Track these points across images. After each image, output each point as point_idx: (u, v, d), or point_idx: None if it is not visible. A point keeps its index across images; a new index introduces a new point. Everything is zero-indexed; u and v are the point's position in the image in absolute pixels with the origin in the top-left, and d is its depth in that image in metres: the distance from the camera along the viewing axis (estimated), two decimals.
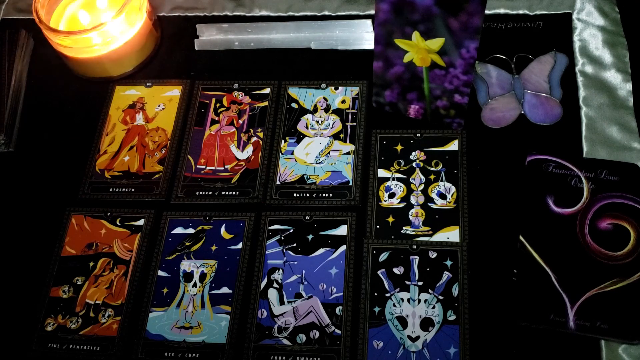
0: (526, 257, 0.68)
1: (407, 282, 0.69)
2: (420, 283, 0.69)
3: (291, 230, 0.74)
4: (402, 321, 0.67)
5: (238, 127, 0.81)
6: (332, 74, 0.84)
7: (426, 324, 0.67)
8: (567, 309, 0.65)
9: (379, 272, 0.70)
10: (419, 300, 0.68)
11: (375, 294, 0.69)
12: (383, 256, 0.71)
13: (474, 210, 0.73)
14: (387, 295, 0.69)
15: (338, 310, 0.69)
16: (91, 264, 0.74)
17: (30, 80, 0.88)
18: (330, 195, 0.75)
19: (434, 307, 0.68)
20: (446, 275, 0.69)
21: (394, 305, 0.68)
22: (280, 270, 0.71)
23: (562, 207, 0.70)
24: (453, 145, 0.77)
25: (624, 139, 0.75)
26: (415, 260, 0.70)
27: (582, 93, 0.79)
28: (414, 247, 0.71)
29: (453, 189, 0.74)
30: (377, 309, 0.68)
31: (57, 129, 0.84)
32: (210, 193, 0.77)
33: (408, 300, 0.68)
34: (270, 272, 0.72)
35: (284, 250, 0.73)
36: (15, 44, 0.88)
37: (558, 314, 0.65)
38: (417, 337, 0.66)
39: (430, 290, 0.69)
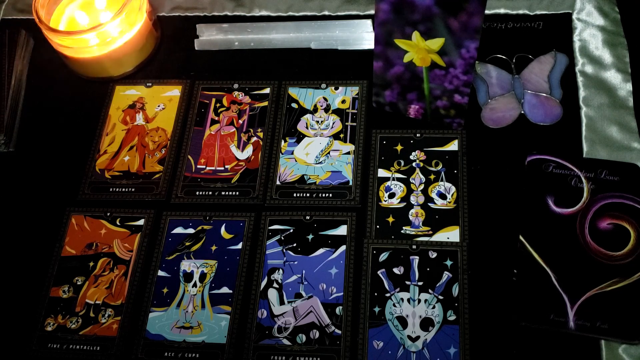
0: (526, 257, 0.68)
1: (407, 282, 0.69)
2: (420, 283, 0.69)
3: (291, 230, 0.74)
4: (402, 321, 0.67)
5: (238, 127, 0.81)
6: (332, 74, 0.84)
7: (426, 324, 0.67)
8: (567, 309, 0.65)
9: (379, 272, 0.70)
10: (419, 300, 0.68)
11: (375, 294, 0.69)
12: (383, 256, 0.71)
13: (474, 210, 0.73)
14: (387, 295, 0.69)
15: (338, 310, 0.69)
16: (91, 264, 0.74)
17: (30, 80, 0.88)
18: (330, 195, 0.75)
19: (434, 307, 0.68)
20: (446, 275, 0.69)
21: (394, 305, 0.68)
22: (280, 270, 0.71)
23: (562, 207, 0.70)
24: (453, 145, 0.77)
25: (624, 139, 0.75)
26: (415, 260, 0.70)
27: (582, 93, 0.79)
28: (414, 247, 0.71)
29: (453, 189, 0.74)
30: (377, 309, 0.68)
31: (57, 129, 0.84)
32: (210, 193, 0.77)
33: (408, 300, 0.68)
34: (270, 272, 0.72)
35: (284, 250, 0.73)
36: (15, 44, 0.88)
37: (558, 314, 0.65)
38: (417, 337, 0.66)
39: (430, 290, 0.69)
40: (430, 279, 0.69)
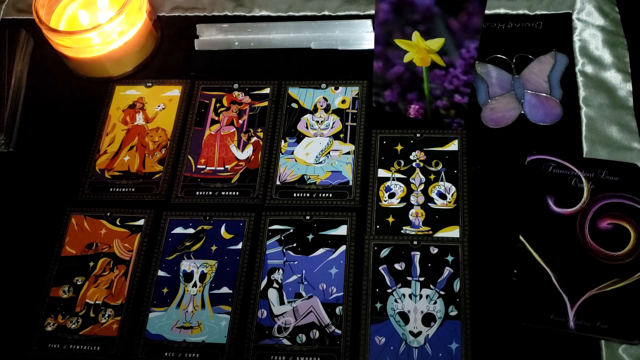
0: (526, 257, 0.68)
1: (409, 278, 0.69)
2: (421, 279, 0.69)
3: (291, 230, 0.74)
4: (404, 317, 0.67)
5: (238, 127, 0.81)
6: (332, 74, 0.84)
7: (428, 319, 0.67)
8: (567, 309, 0.65)
9: (380, 268, 0.70)
10: (421, 296, 0.68)
11: (377, 290, 0.69)
12: (384, 252, 0.71)
13: (474, 210, 0.73)
14: (389, 291, 0.69)
15: (338, 310, 0.69)
16: (91, 264, 0.74)
17: (30, 80, 0.88)
18: (330, 195, 0.75)
19: (435, 303, 0.68)
20: (447, 270, 0.69)
21: (396, 301, 0.68)
22: (280, 270, 0.71)
23: (562, 207, 0.70)
24: (453, 145, 0.77)
25: (624, 139, 0.75)
26: (417, 256, 0.70)
27: (582, 93, 0.79)
28: (415, 242, 0.71)
29: (453, 189, 0.74)
30: (378, 305, 0.68)
31: (57, 129, 0.84)
32: (210, 193, 0.77)
33: (410, 296, 0.68)
34: (270, 272, 0.71)
35: (284, 250, 0.73)
36: (15, 44, 0.88)
37: (558, 314, 0.65)
38: (419, 333, 0.66)
39: (431, 286, 0.69)
40: (432, 274, 0.69)
